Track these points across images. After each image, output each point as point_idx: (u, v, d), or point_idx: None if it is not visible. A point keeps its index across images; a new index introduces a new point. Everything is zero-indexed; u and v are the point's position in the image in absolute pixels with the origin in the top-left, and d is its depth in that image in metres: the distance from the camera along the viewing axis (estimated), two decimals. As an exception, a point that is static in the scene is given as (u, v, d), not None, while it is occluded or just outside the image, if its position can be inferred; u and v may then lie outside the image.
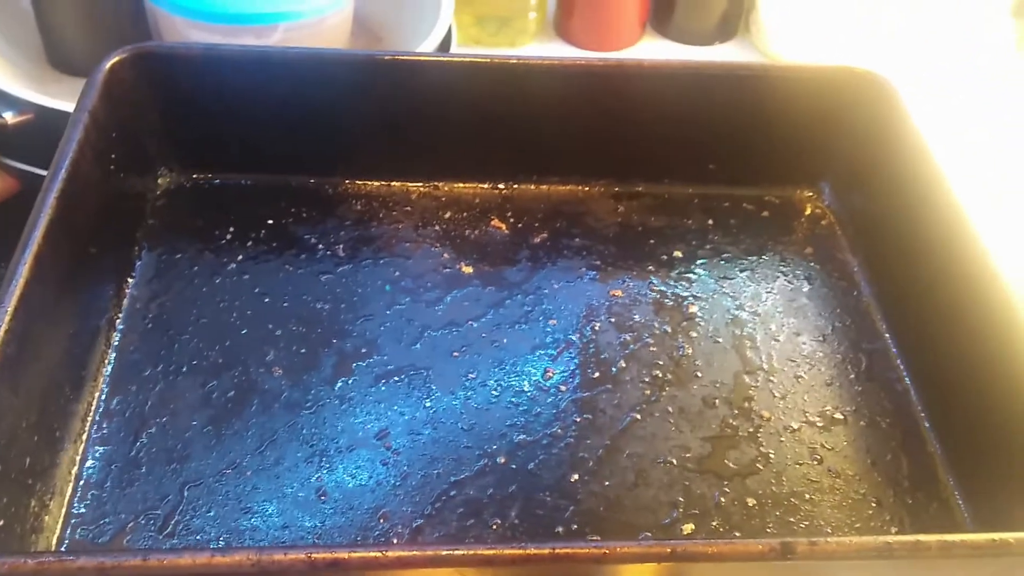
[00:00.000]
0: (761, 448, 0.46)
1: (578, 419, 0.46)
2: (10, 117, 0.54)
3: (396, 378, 0.47)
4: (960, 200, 0.48)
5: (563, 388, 0.47)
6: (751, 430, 0.46)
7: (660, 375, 0.48)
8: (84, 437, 0.43)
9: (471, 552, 0.33)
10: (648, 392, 0.47)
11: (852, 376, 0.49)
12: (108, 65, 0.48)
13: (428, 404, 0.46)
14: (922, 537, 0.35)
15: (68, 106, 0.57)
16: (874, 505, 0.44)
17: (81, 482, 0.42)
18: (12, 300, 0.38)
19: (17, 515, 0.38)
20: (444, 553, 0.33)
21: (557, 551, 0.33)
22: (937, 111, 0.72)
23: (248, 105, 0.52)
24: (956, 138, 0.71)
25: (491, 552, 0.33)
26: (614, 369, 0.48)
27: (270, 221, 0.53)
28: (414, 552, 0.33)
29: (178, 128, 0.52)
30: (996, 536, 0.35)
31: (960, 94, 0.80)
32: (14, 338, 0.38)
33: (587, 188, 0.57)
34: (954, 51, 0.83)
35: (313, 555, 0.32)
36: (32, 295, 0.39)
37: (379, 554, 0.33)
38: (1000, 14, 0.83)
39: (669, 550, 0.34)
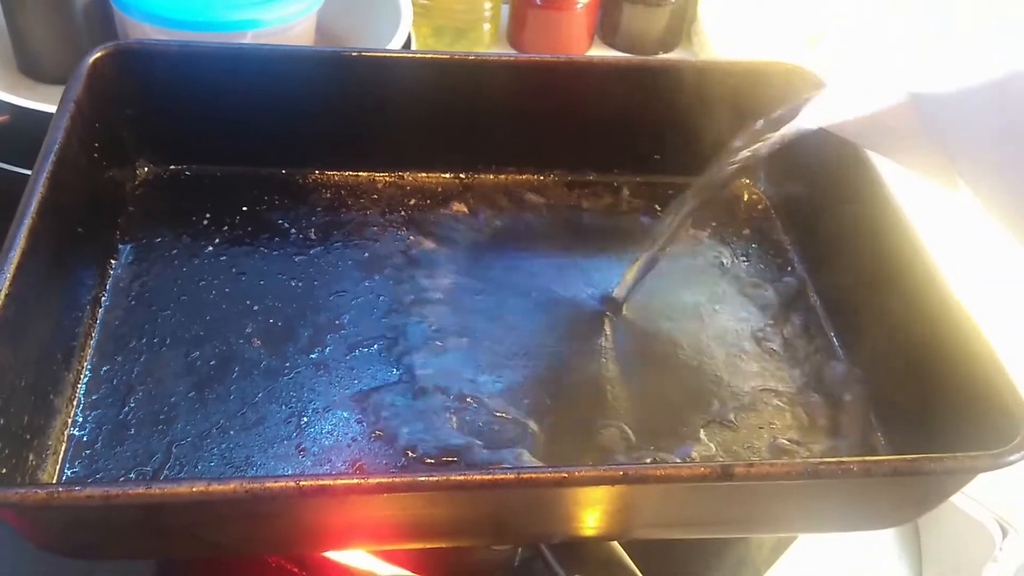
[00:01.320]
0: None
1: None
2: (-14, 118, 0.57)
3: (368, 347, 0.50)
4: (882, 179, 0.53)
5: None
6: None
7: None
8: (75, 402, 0.46)
9: (444, 478, 0.37)
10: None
11: (787, 338, 0.54)
12: (91, 60, 0.51)
13: (399, 370, 0.49)
14: (846, 459, 0.39)
15: (43, 107, 0.60)
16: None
17: (74, 443, 0.44)
18: (11, 267, 0.41)
19: (18, 467, 0.40)
20: (421, 479, 0.37)
21: (522, 475, 0.37)
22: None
23: (223, 100, 0.55)
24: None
25: (462, 477, 0.37)
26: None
27: (244, 208, 0.56)
28: (393, 479, 0.37)
29: (156, 121, 0.55)
30: (912, 457, 0.39)
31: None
32: (12, 302, 0.41)
33: (542, 177, 0.61)
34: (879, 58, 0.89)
35: (301, 483, 0.36)
36: (27, 264, 0.42)
37: (362, 481, 0.36)
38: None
39: (622, 473, 0.37)
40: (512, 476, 0.37)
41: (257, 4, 0.65)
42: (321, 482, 0.36)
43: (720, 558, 0.56)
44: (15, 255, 0.42)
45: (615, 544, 0.49)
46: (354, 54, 0.56)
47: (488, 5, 0.83)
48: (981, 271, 0.69)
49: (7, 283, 0.41)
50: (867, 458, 0.39)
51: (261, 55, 0.56)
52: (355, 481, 0.36)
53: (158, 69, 0.54)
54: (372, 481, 0.36)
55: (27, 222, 0.43)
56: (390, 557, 0.51)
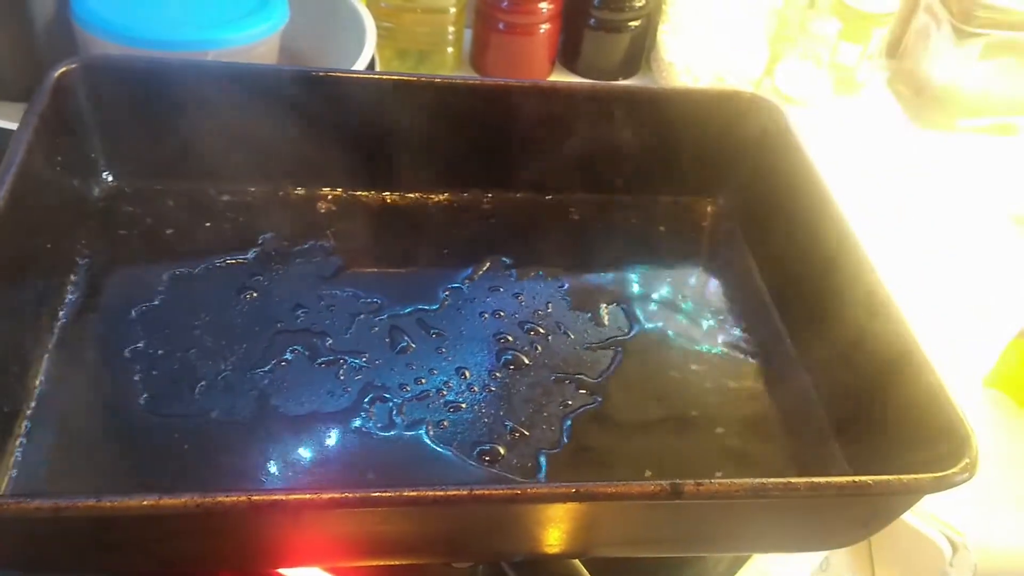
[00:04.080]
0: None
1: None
2: (-52, 134, 0.57)
3: (328, 364, 0.50)
4: (831, 194, 0.55)
5: (510, 368, 0.52)
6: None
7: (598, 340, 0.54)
8: (28, 415, 0.45)
9: (397, 494, 0.37)
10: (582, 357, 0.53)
11: (747, 351, 0.55)
12: (57, 73, 0.51)
13: (359, 387, 0.49)
14: (792, 480, 0.40)
15: (3, 124, 0.60)
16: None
17: (26, 457, 0.44)
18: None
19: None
20: (374, 495, 0.37)
21: (475, 492, 0.37)
22: (814, 129, 0.80)
23: (188, 116, 0.55)
24: (829, 148, 0.79)
25: (414, 494, 0.37)
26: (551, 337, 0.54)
27: (208, 224, 0.56)
28: (344, 495, 0.37)
29: (121, 136, 0.55)
30: (857, 479, 0.40)
31: (837, 119, 0.88)
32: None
33: (509, 195, 0.62)
34: (833, 86, 0.91)
35: (253, 497, 0.36)
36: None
37: (313, 496, 0.36)
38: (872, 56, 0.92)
39: (573, 490, 0.38)
40: (464, 492, 0.37)
41: (219, 24, 0.65)
42: (273, 497, 0.36)
43: (677, 575, 0.57)
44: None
45: (576, 562, 0.49)
46: (320, 73, 0.57)
47: (451, 29, 0.84)
48: (929, 290, 0.71)
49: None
50: (814, 479, 0.40)
51: (227, 72, 0.56)
52: (307, 496, 0.36)
53: (124, 84, 0.54)
54: (324, 496, 0.36)
55: (-16, 234, 0.43)
56: (348, 575, 0.51)
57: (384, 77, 0.59)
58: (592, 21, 0.86)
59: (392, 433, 0.47)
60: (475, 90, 0.59)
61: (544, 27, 0.84)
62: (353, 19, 0.75)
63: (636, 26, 0.87)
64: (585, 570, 0.49)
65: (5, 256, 0.44)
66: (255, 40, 0.67)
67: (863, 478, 0.40)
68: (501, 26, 0.84)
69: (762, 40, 0.88)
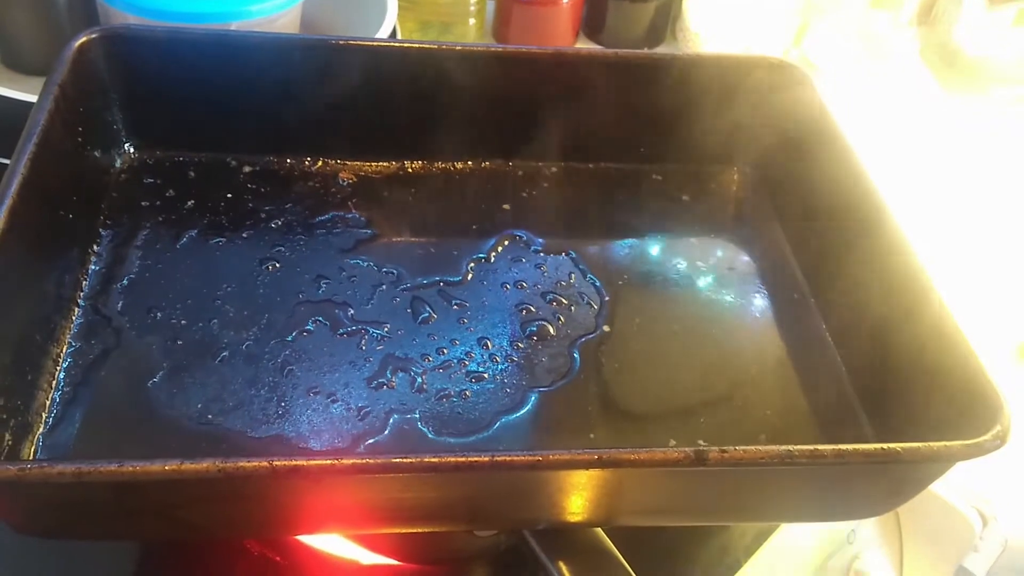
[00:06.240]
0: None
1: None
2: (-32, 107, 0.57)
3: (350, 333, 0.50)
4: (861, 163, 0.54)
5: (533, 338, 0.52)
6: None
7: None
8: (53, 384, 0.45)
9: (418, 459, 0.36)
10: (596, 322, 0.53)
11: (772, 320, 0.55)
12: (77, 44, 0.51)
13: (382, 356, 0.49)
14: (819, 446, 0.39)
15: (26, 97, 0.60)
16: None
17: (51, 424, 0.44)
18: (-10, 247, 0.41)
19: (-7, 443, 0.40)
20: (395, 461, 0.36)
21: (496, 458, 0.37)
22: (844, 99, 0.78)
23: (209, 86, 0.55)
24: (858, 118, 0.77)
25: (436, 459, 0.37)
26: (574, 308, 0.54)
27: (229, 195, 0.56)
28: (367, 460, 0.37)
29: (142, 106, 0.55)
30: (886, 446, 0.39)
31: (867, 89, 0.86)
32: (-9, 282, 0.41)
33: (532, 165, 0.61)
34: (863, 55, 0.90)
35: (275, 463, 0.36)
36: (6, 245, 0.42)
37: (335, 461, 0.36)
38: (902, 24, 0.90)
39: (596, 456, 0.37)
40: (486, 459, 0.37)
41: (241, -5, 0.65)
42: (294, 462, 0.36)
43: (703, 546, 0.56)
44: (-6, 235, 0.42)
45: (599, 531, 0.49)
46: (341, 42, 0.56)
47: (473, 0, 0.83)
48: (961, 260, 0.70)
49: (-15, 263, 0.41)
50: (841, 446, 0.39)
51: (249, 42, 0.55)
52: (328, 462, 0.36)
53: (145, 54, 0.54)
54: (345, 462, 0.36)
55: (7, 203, 0.43)
56: (372, 544, 0.51)
57: (406, 45, 0.58)
58: (616, -9, 0.86)
59: (414, 401, 0.47)
60: (499, 58, 0.58)
61: (568, -3, 0.83)
62: (375, -10, 0.74)
63: (661, -5, 0.86)
64: (608, 539, 0.49)
65: (28, 227, 0.44)
66: (277, 12, 0.67)
67: (892, 445, 0.39)
68: (524, -4, 0.83)
69: (791, 7, 0.87)
